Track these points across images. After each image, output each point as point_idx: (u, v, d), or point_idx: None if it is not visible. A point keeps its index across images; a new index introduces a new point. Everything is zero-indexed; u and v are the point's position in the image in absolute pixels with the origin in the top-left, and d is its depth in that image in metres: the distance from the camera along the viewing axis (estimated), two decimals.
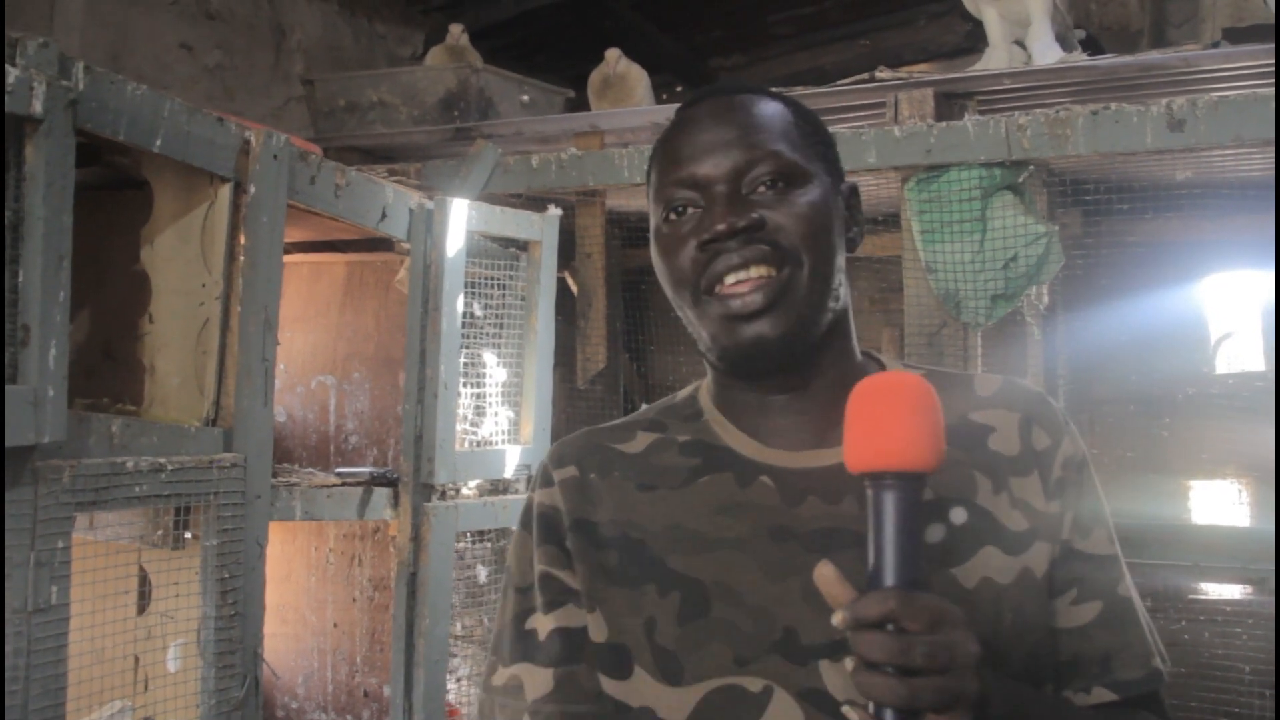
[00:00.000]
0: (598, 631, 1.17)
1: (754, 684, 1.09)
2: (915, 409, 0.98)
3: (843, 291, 1.18)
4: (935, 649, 0.92)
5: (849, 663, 0.95)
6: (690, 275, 1.14)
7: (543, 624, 1.21)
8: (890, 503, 0.97)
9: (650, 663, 1.13)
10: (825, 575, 0.98)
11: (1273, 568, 2.76)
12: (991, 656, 1.05)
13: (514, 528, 1.29)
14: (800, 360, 1.15)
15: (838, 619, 0.96)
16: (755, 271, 1.11)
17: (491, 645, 1.26)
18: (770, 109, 1.19)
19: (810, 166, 1.17)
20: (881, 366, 1.24)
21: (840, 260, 1.17)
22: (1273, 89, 2.64)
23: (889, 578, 0.96)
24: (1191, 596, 3.36)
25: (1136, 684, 1.15)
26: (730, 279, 1.12)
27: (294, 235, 3.13)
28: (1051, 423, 1.19)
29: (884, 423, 0.97)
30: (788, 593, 1.10)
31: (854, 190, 1.23)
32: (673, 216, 1.17)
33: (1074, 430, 1.21)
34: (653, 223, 1.20)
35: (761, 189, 1.14)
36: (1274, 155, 2.70)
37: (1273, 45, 2.79)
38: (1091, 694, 1.15)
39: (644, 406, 1.35)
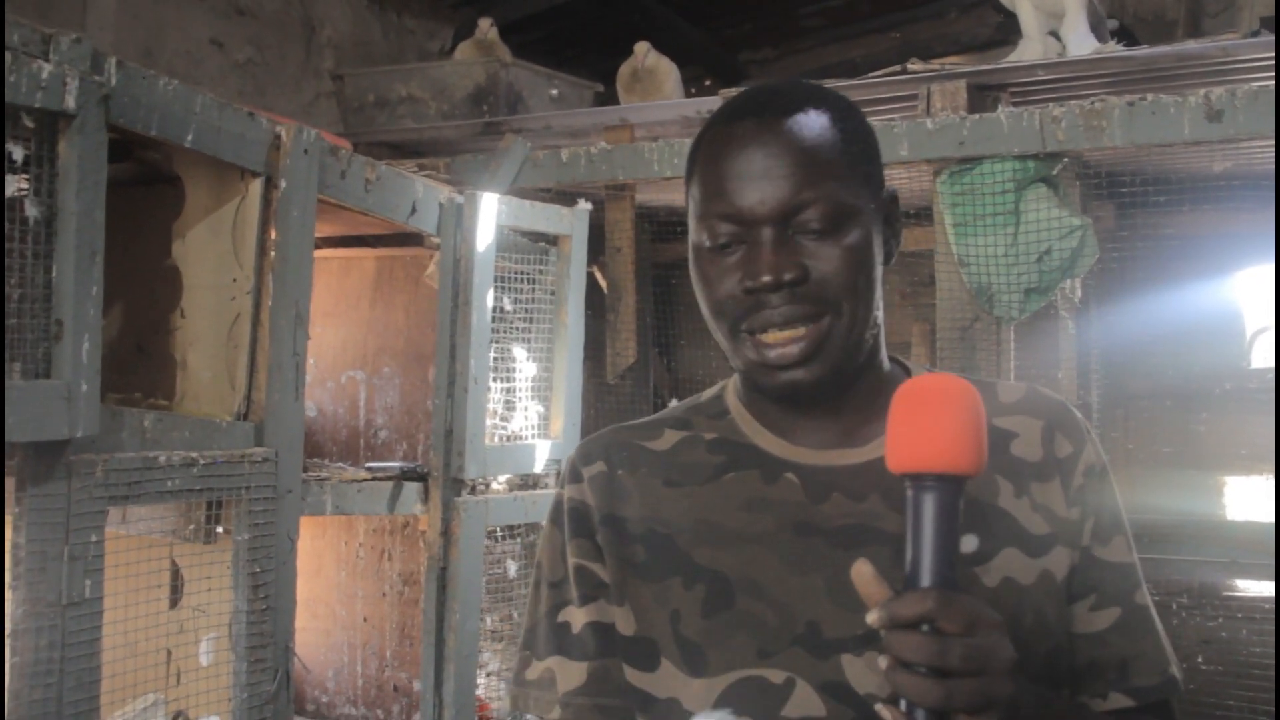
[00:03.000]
0: (626, 625, 1.19)
1: (776, 676, 1.10)
2: (960, 412, 0.98)
3: (878, 315, 1.18)
4: (972, 651, 0.92)
5: (882, 661, 0.95)
6: (730, 313, 1.14)
7: (576, 617, 1.22)
8: (930, 504, 0.97)
9: (676, 654, 1.15)
10: (862, 573, 0.98)
11: None
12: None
13: (544, 523, 1.30)
14: (834, 392, 1.16)
15: (872, 618, 0.95)
16: (794, 330, 1.11)
17: (523, 640, 1.28)
18: (823, 132, 1.14)
19: (858, 200, 1.14)
20: (907, 371, 1.25)
21: (879, 291, 1.17)
22: None
23: (925, 578, 0.96)
24: (1228, 593, 3.33)
25: (1153, 690, 1.17)
26: (770, 335, 1.12)
27: (324, 230, 3.14)
28: (1074, 431, 1.21)
29: (928, 424, 0.97)
30: (811, 587, 1.12)
31: (894, 198, 1.21)
32: (713, 245, 1.15)
33: (1095, 439, 1.23)
34: (692, 237, 1.19)
35: (809, 233, 1.12)
36: None
37: None
38: (1108, 699, 1.16)
39: (672, 403, 1.35)
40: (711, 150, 1.17)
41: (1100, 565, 1.17)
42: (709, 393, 1.31)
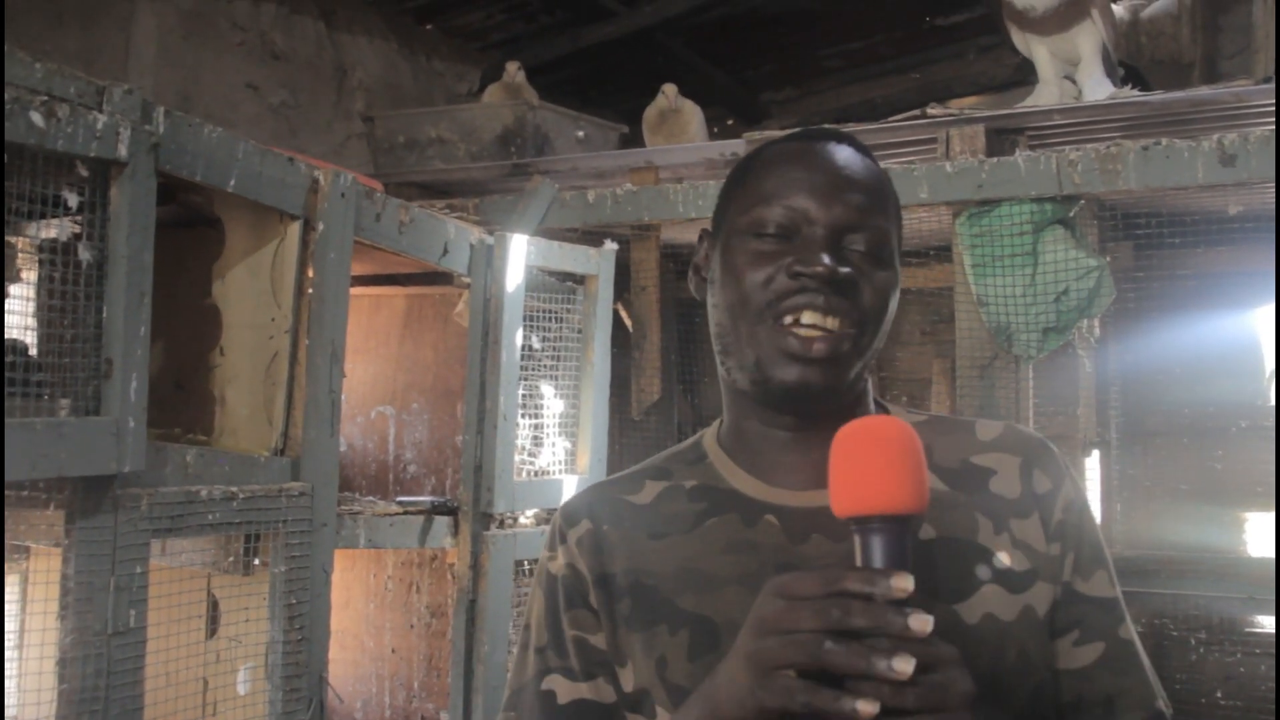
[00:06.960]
0: (627, 682, 1.20)
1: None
2: (896, 452, 0.98)
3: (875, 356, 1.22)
4: (927, 689, 0.91)
5: (845, 702, 0.93)
6: (762, 296, 1.15)
7: (564, 689, 1.23)
8: (878, 546, 0.97)
9: (665, 700, 1.16)
10: None
11: None
12: (998, 693, 1.08)
13: (532, 586, 1.32)
14: (826, 407, 1.18)
15: None
16: (831, 323, 1.13)
17: (507, 701, 1.28)
18: (878, 177, 1.21)
19: (894, 247, 1.20)
20: (887, 414, 1.26)
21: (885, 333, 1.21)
22: None
23: None
24: (1247, 629, 3.35)
25: None
26: (808, 317, 1.13)
27: (356, 269, 3.20)
28: (1052, 467, 1.22)
29: (866, 467, 0.98)
30: None
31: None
32: (760, 234, 1.17)
33: (1074, 475, 1.24)
34: (725, 240, 1.21)
35: (855, 252, 1.16)
36: None
37: None
38: None
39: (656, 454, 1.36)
40: (774, 159, 1.21)
41: (1082, 600, 1.18)
42: (687, 441, 1.33)
